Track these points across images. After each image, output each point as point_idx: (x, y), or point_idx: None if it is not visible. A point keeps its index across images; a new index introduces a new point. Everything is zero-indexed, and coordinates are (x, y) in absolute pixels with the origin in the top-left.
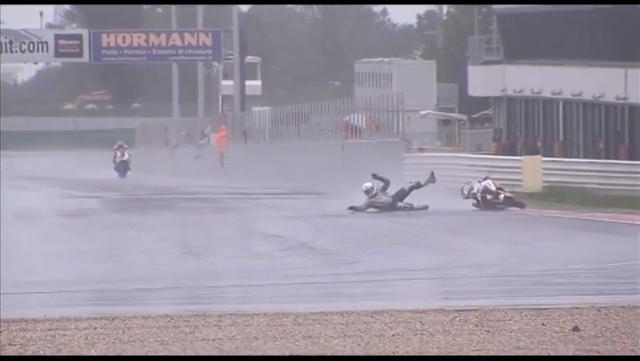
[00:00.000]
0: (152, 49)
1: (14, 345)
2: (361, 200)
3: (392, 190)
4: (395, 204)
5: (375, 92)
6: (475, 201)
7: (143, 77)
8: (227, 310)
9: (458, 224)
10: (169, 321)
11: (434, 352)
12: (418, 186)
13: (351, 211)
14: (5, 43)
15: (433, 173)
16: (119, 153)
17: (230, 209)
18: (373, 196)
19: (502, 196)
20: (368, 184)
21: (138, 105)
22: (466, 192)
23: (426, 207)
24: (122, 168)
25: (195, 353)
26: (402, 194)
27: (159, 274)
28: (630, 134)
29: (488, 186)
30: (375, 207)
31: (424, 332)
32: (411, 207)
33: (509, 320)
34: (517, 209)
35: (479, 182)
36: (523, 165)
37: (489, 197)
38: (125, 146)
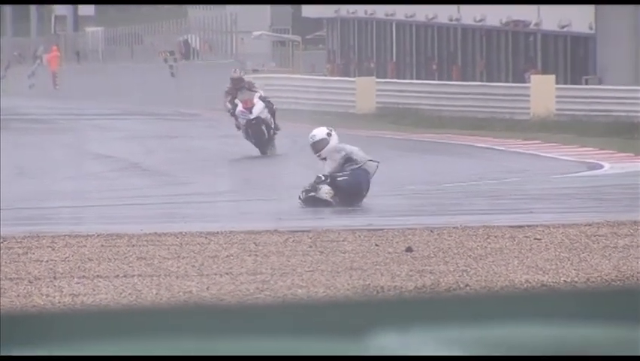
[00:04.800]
0: None
1: None
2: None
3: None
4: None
5: (209, 13)
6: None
7: None
8: (61, 232)
9: (294, 146)
10: (2, 242)
11: (268, 272)
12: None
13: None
14: None
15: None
16: (240, 106)
17: (64, 130)
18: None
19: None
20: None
21: None
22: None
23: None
24: (259, 136)
25: (28, 273)
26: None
27: None
28: (463, 56)
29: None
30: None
31: (257, 253)
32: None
33: (343, 240)
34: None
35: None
36: (356, 87)
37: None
38: (256, 88)
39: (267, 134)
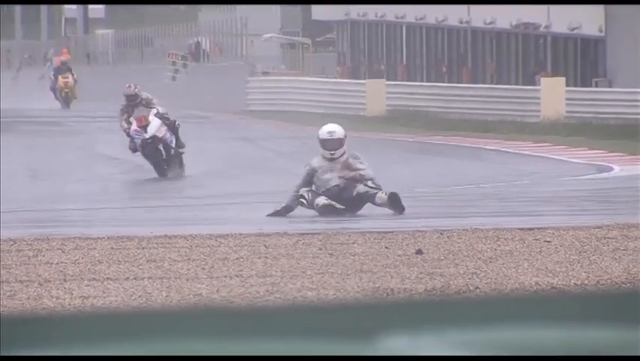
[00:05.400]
0: None
1: None
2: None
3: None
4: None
5: (219, 16)
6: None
7: None
8: (72, 234)
9: (304, 148)
10: (12, 245)
11: (278, 275)
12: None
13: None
14: None
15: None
16: (134, 124)
17: (75, 132)
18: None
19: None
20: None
21: None
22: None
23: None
24: (155, 157)
25: (38, 276)
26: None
27: (3, 197)
28: (473, 58)
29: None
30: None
31: (267, 256)
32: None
33: (353, 243)
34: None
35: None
36: (367, 89)
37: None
38: (154, 104)
39: (164, 154)
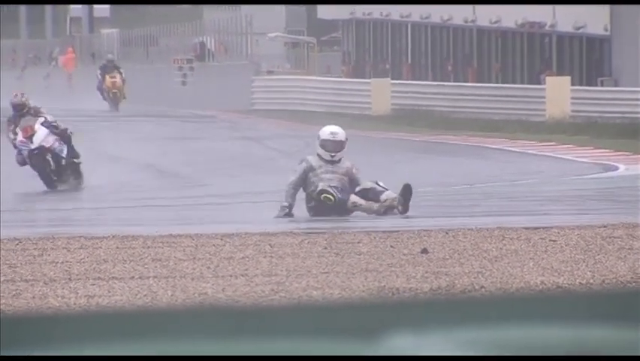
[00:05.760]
0: None
1: None
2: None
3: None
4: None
5: (224, 15)
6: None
7: None
8: (77, 233)
9: (308, 148)
10: (17, 244)
11: (283, 274)
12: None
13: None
14: None
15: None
16: (20, 135)
17: (78, 131)
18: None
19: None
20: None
21: None
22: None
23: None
24: (43, 168)
25: (43, 275)
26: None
27: (7, 196)
28: (478, 57)
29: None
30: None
31: (273, 255)
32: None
33: (358, 242)
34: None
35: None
36: (372, 88)
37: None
38: (43, 113)
39: (53, 164)
